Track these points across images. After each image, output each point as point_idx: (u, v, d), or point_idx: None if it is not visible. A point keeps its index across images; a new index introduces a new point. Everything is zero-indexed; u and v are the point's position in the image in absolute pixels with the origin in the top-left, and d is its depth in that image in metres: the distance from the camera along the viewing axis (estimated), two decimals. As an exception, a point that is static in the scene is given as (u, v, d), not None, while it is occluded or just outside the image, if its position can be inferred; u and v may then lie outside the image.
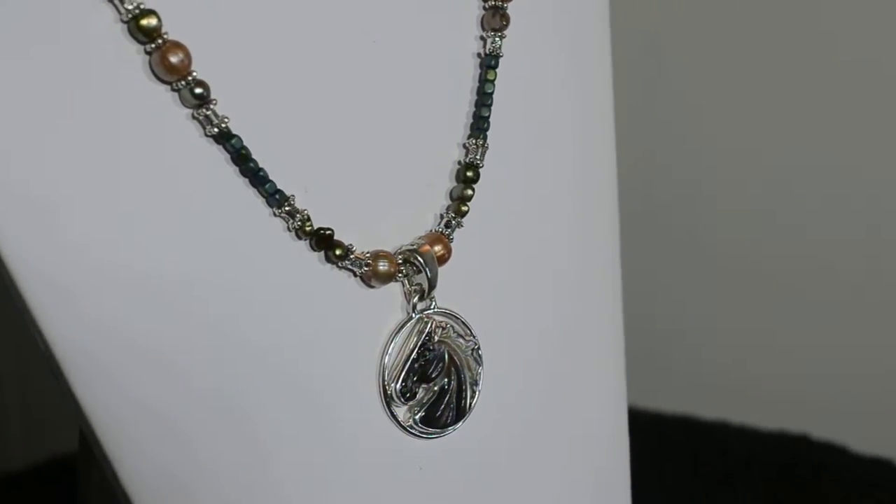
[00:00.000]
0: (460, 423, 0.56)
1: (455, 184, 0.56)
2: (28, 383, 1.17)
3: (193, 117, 0.47)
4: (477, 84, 0.57)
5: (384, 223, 0.54)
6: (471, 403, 0.56)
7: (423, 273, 0.53)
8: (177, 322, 0.48)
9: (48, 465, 0.99)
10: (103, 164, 0.45)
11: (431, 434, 0.55)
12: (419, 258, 0.53)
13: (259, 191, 0.49)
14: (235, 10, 0.49)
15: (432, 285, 0.54)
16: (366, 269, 0.52)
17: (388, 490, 0.55)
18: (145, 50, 0.45)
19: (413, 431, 0.55)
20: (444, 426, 0.56)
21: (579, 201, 0.62)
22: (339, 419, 0.53)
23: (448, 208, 0.56)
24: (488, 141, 0.56)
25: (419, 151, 0.56)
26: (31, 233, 0.45)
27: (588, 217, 0.63)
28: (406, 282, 0.54)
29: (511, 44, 0.57)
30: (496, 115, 0.57)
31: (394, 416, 0.54)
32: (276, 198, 0.49)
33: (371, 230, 0.53)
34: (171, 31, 0.46)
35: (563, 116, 0.61)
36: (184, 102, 0.47)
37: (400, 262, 0.53)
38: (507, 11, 0.57)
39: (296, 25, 0.51)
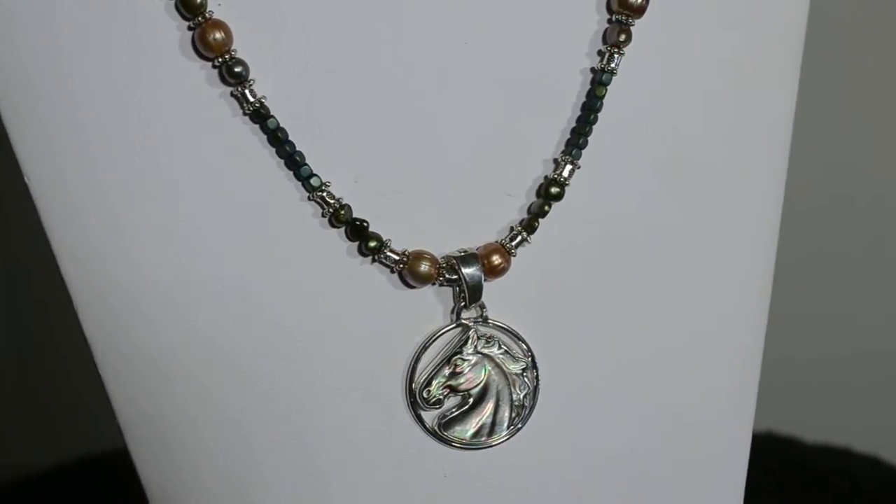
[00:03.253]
0: (494, 440, 0.54)
1: (536, 198, 0.54)
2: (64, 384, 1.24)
3: (232, 95, 0.49)
4: (584, 100, 0.53)
5: (449, 227, 0.52)
6: (510, 423, 0.54)
7: (462, 281, 0.52)
8: (194, 313, 0.51)
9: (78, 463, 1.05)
10: (132, 145, 0.48)
11: (460, 444, 0.54)
12: (460, 266, 0.52)
13: (295, 174, 0.50)
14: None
15: (473, 295, 0.52)
16: (402, 266, 0.52)
17: (411, 490, 0.54)
18: (188, 26, 0.48)
19: (439, 437, 0.54)
20: (473, 438, 0.54)
21: (698, 235, 0.56)
22: (361, 416, 0.53)
23: (521, 222, 0.53)
24: (585, 160, 0.53)
25: (503, 160, 0.53)
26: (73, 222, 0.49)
27: (708, 254, 0.56)
28: (458, 287, 0.53)
29: (635, 62, 0.53)
30: (600, 135, 0.53)
31: (419, 419, 0.53)
32: (310, 183, 0.50)
33: (432, 232, 0.52)
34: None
35: (697, 148, 0.55)
36: (223, 80, 0.49)
37: (443, 265, 0.52)
38: (632, 28, 0.52)
39: (385, 21, 0.50)
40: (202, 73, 0.48)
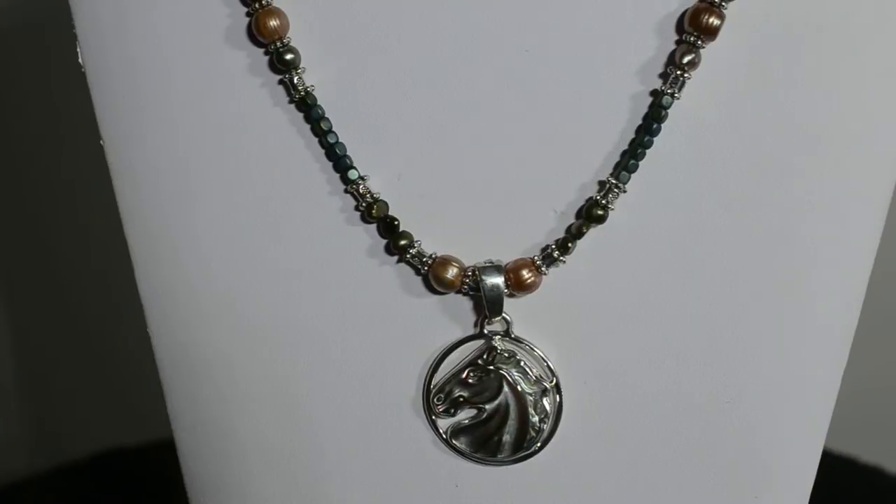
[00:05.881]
0: (499, 458, 0.53)
1: (575, 219, 0.51)
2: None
3: (280, 83, 0.51)
4: (641, 122, 0.50)
5: (489, 237, 0.51)
6: (521, 443, 0.52)
7: (482, 293, 0.51)
8: (220, 305, 0.53)
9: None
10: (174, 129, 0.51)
11: (467, 456, 0.53)
12: (481, 276, 0.50)
13: (334, 165, 0.51)
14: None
15: (492, 307, 0.51)
16: (427, 269, 0.51)
17: (420, 496, 0.54)
18: (247, 12, 0.50)
19: (449, 445, 0.53)
20: (478, 452, 0.53)
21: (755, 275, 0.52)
22: (377, 417, 0.53)
23: (557, 241, 0.51)
24: (636, 185, 0.50)
25: (551, 176, 0.51)
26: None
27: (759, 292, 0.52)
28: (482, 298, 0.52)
29: (701, 87, 0.50)
30: (654, 160, 0.50)
31: (434, 426, 0.53)
32: (347, 175, 0.51)
33: (469, 240, 0.51)
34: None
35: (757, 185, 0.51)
36: (272, 68, 0.50)
37: (469, 274, 0.51)
38: (701, 50, 0.49)
39: (446, 23, 0.50)
40: (247, 62, 0.51)
